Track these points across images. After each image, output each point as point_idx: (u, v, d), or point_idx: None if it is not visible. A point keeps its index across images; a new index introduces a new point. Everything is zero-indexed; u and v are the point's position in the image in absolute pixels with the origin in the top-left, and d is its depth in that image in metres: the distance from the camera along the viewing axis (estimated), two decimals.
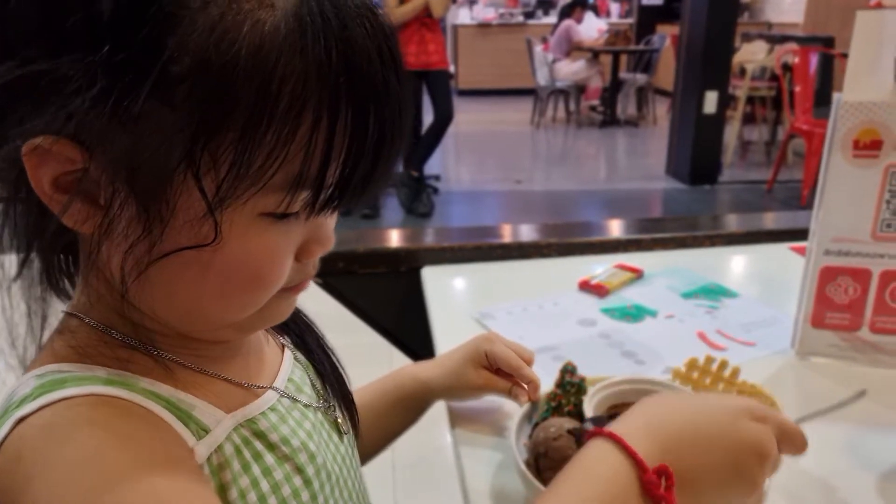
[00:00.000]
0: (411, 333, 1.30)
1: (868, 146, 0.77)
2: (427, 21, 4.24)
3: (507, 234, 1.34)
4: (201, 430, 0.42)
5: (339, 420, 0.57)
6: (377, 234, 1.39)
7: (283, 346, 0.57)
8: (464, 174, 5.69)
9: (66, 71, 0.34)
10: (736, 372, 0.71)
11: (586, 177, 5.54)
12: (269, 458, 0.46)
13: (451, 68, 5.20)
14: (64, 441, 0.36)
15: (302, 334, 0.61)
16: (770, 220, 1.41)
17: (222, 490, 0.42)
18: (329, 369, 0.60)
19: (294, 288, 0.46)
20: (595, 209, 4.69)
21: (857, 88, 0.77)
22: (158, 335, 0.44)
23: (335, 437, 0.55)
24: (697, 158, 4.85)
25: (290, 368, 0.55)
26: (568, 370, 0.72)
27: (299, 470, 0.47)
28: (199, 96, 0.34)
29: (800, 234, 1.28)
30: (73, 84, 0.34)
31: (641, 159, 5.98)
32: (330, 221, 0.45)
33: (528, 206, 4.71)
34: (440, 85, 4.45)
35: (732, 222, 1.39)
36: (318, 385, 0.58)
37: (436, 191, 4.82)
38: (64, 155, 0.36)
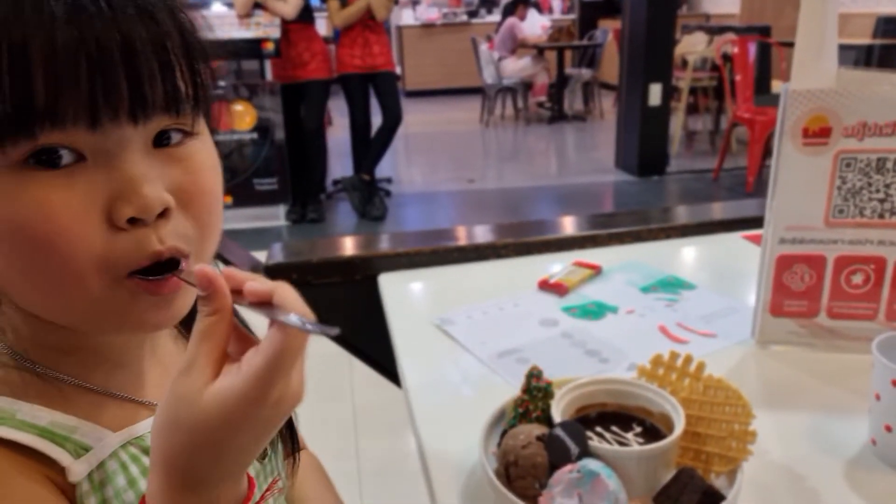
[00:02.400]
0: (371, 342, 1.27)
1: (817, 133, 0.78)
2: (370, 23, 4.21)
3: (462, 237, 1.32)
4: (80, 450, 0.44)
5: None
6: (330, 242, 1.35)
7: None
8: (416, 175, 5.67)
9: None
10: (701, 367, 0.70)
11: (538, 173, 5.58)
12: None
13: (398, 70, 5.16)
14: None
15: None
16: (721, 210, 1.42)
17: None
18: None
19: (145, 285, 0.41)
20: (548, 205, 4.73)
21: (804, 76, 0.78)
22: (52, 351, 0.45)
23: None
24: (645, 150, 4.93)
25: None
26: (534, 375, 0.70)
27: None
28: None
29: (751, 222, 1.30)
30: None
31: (591, 153, 6.06)
32: (132, 171, 0.40)
33: (482, 205, 4.72)
34: (387, 87, 4.42)
35: (685, 214, 1.40)
36: None
37: (388, 193, 4.79)
38: None
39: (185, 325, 0.55)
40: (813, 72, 0.78)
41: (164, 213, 0.41)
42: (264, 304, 0.38)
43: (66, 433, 0.44)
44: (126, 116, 0.39)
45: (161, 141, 0.42)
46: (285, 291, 0.38)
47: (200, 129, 0.45)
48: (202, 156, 0.44)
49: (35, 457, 0.42)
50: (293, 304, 0.37)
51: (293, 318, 0.35)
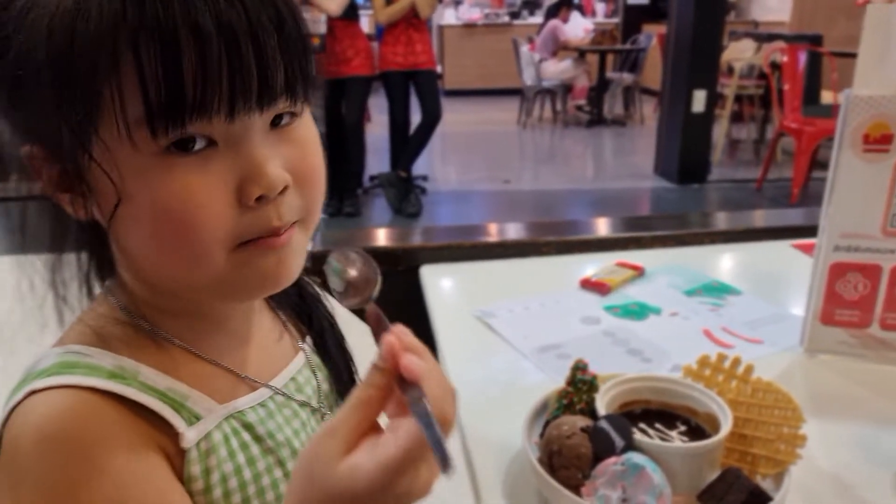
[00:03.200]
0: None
1: (878, 140, 0.77)
2: (414, 21, 4.23)
3: (503, 233, 1.32)
4: (193, 418, 0.46)
5: (328, 415, 0.57)
6: (372, 232, 1.37)
7: (302, 349, 0.58)
8: (451, 174, 5.68)
9: None
10: (750, 369, 0.69)
11: (574, 176, 5.54)
12: (255, 449, 0.49)
13: (438, 69, 5.18)
14: (39, 467, 0.41)
15: (323, 334, 0.61)
16: (768, 218, 1.40)
17: (206, 473, 0.46)
18: (344, 374, 0.61)
19: (260, 243, 0.44)
20: (584, 208, 4.69)
21: (867, 83, 0.76)
22: (166, 315, 0.48)
23: None
24: (686, 157, 4.86)
25: (296, 370, 0.56)
26: (579, 367, 0.71)
27: (281, 463, 0.50)
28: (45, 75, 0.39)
29: (800, 231, 1.28)
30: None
31: (629, 158, 6.00)
32: (258, 155, 0.43)
33: (517, 206, 4.70)
34: (428, 85, 4.43)
35: (731, 220, 1.39)
36: (325, 388, 0.59)
37: (424, 191, 4.81)
38: (38, 155, 0.43)
39: (276, 301, 0.59)
40: (876, 78, 0.77)
41: (282, 191, 0.44)
42: (409, 383, 0.39)
43: (181, 399, 0.46)
44: (255, 104, 0.42)
45: (275, 122, 0.45)
46: (433, 380, 0.39)
47: (303, 108, 0.47)
48: (310, 134, 0.47)
49: (152, 420, 0.44)
50: (438, 400, 0.39)
51: (425, 430, 0.37)
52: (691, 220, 1.38)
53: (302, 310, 0.61)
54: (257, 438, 0.50)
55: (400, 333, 0.42)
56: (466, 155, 6.27)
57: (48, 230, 0.46)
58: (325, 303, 0.63)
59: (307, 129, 0.47)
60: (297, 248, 0.47)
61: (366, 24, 5.66)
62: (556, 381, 0.83)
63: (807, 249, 1.22)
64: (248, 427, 0.49)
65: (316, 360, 0.60)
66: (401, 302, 1.27)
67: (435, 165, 5.73)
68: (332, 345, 0.61)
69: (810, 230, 1.30)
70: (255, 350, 0.54)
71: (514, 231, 1.32)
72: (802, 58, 4.50)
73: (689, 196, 4.73)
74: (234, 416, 0.49)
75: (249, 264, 0.44)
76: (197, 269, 0.43)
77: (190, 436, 0.46)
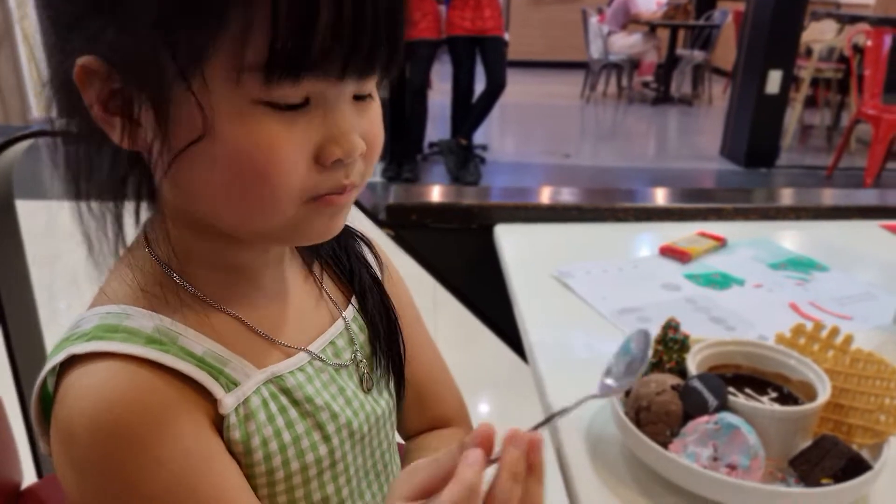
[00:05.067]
0: (480, 291, 1.29)
1: None
2: None
3: (579, 197, 1.31)
4: (231, 384, 0.47)
5: (366, 375, 0.58)
6: (449, 189, 1.37)
7: (342, 318, 0.58)
8: (510, 145, 5.62)
9: None
10: (849, 339, 0.67)
11: (636, 154, 5.43)
12: (293, 413, 0.50)
13: (506, 36, 5.10)
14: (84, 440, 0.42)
15: (364, 291, 0.61)
16: (856, 197, 1.35)
17: (246, 437, 0.47)
18: (384, 331, 0.61)
19: (326, 199, 0.45)
20: (644, 187, 4.60)
21: None
22: (202, 268, 0.48)
23: (360, 394, 0.56)
24: (755, 140, 4.70)
25: (334, 335, 0.57)
26: (671, 326, 0.70)
27: (320, 426, 0.51)
28: None
29: (889, 212, 1.23)
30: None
31: (695, 138, 5.84)
32: (346, 122, 0.44)
33: (576, 181, 4.63)
34: (495, 52, 4.37)
35: (816, 197, 1.34)
36: (368, 351, 0.59)
37: (483, 160, 4.78)
38: (101, 73, 0.40)
39: (318, 255, 0.60)
40: None
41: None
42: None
43: (219, 365, 0.47)
44: (359, 73, 0.43)
45: (357, 97, 0.46)
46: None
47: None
48: (379, 111, 0.49)
49: (192, 385, 0.45)
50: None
51: None
52: (771, 196, 1.34)
53: (345, 266, 0.62)
54: (295, 402, 0.50)
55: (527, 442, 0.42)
56: (527, 127, 6.20)
57: (86, 160, 0.45)
58: (368, 261, 0.64)
59: (378, 106, 0.49)
60: (348, 207, 0.49)
61: None
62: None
63: (894, 230, 1.17)
64: (286, 391, 0.50)
65: (360, 322, 0.60)
66: (472, 260, 1.28)
67: (494, 135, 5.69)
68: (375, 302, 0.61)
69: None
70: (293, 313, 0.55)
71: (590, 196, 1.31)
72: (888, 41, 4.28)
73: (756, 180, 4.58)
74: (273, 380, 0.50)
75: (310, 218, 0.46)
76: (261, 217, 0.44)
77: (228, 402, 0.46)
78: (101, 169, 0.45)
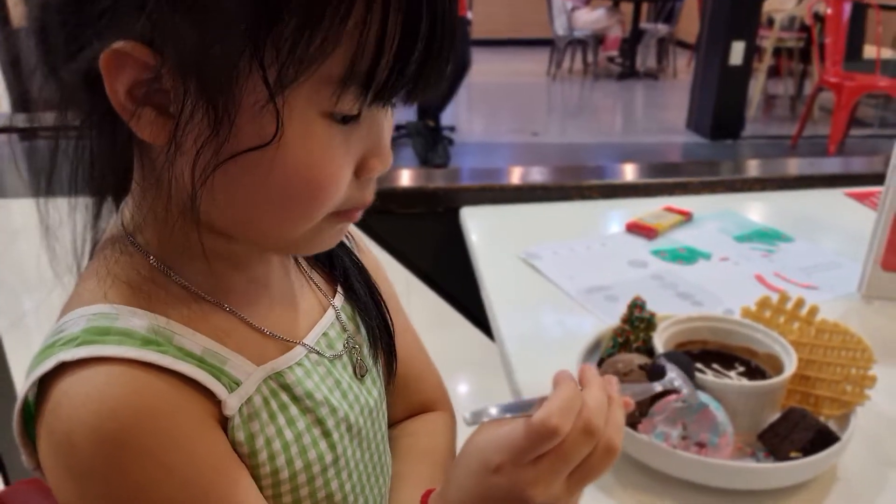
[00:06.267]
0: (447, 275, 1.27)
1: None
2: None
3: (544, 176, 1.30)
4: (233, 383, 0.45)
5: (359, 361, 0.57)
6: (414, 173, 1.34)
7: (332, 306, 0.57)
8: (478, 125, 5.60)
9: None
10: (814, 311, 0.67)
11: (604, 129, 5.44)
12: (294, 410, 0.48)
13: (469, 15, 5.05)
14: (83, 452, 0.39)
15: (348, 274, 0.60)
16: (821, 166, 1.36)
17: (250, 438, 0.45)
18: (375, 317, 0.59)
19: (344, 214, 0.45)
20: (613, 162, 4.61)
21: None
22: (184, 257, 0.45)
23: (354, 386, 0.55)
24: (720, 112, 4.73)
25: (327, 325, 0.55)
26: (637, 305, 0.69)
27: (320, 422, 0.50)
28: None
29: (854, 179, 1.24)
30: None
31: (661, 112, 5.86)
32: (386, 136, 0.44)
33: (545, 159, 4.63)
34: (458, 31, 4.33)
35: (781, 167, 1.34)
36: (358, 326, 0.58)
37: (451, 142, 4.75)
38: (139, 60, 0.37)
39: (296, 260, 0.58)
40: None
41: None
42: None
43: (219, 364, 0.44)
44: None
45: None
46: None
47: None
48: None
49: (194, 386, 0.43)
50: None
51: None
52: (737, 168, 1.34)
53: (324, 254, 0.59)
54: (295, 399, 0.49)
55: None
56: (494, 106, 6.17)
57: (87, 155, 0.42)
58: (347, 243, 0.62)
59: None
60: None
61: None
62: (604, 322, 0.82)
63: (862, 198, 1.18)
64: (286, 388, 0.48)
65: (348, 309, 0.58)
66: (440, 244, 1.27)
67: (462, 116, 5.66)
68: (360, 284, 0.60)
69: (864, 178, 1.26)
70: (285, 305, 0.53)
71: (558, 175, 1.29)
72: (847, 9, 4.33)
73: (722, 152, 4.62)
74: (273, 377, 0.48)
75: (323, 230, 0.45)
76: (292, 226, 0.43)
77: (232, 403, 0.44)
78: (92, 162, 0.42)
